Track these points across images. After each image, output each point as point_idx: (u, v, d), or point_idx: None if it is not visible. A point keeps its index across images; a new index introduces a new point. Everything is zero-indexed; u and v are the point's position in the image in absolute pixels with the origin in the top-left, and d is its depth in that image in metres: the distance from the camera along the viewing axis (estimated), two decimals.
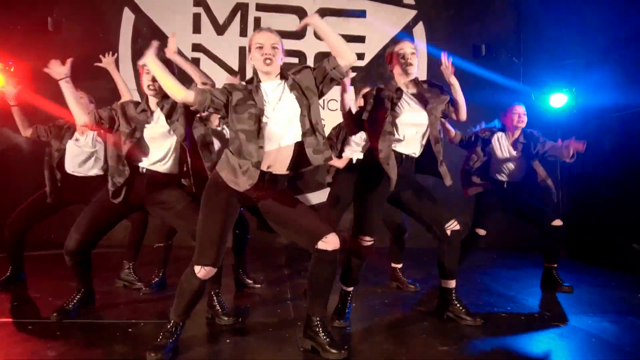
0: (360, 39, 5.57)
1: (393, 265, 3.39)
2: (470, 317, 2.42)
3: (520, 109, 3.47)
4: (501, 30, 5.78)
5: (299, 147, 2.04)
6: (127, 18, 5.23)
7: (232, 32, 5.35)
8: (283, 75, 2.13)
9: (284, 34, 5.64)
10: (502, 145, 3.44)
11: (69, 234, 2.33)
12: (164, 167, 2.41)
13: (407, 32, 5.62)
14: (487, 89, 5.66)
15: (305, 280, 3.16)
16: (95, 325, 2.32)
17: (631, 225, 4.66)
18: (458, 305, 2.46)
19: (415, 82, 2.50)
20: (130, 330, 2.22)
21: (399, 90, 2.44)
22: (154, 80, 2.33)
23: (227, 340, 2.13)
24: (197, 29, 5.33)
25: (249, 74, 5.35)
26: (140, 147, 2.38)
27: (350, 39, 5.54)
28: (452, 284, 2.50)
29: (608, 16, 5.06)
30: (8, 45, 4.75)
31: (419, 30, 5.66)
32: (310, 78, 2.10)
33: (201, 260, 1.94)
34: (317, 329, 1.98)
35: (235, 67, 5.36)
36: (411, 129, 2.42)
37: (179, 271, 2.89)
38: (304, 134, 2.03)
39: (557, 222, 3.25)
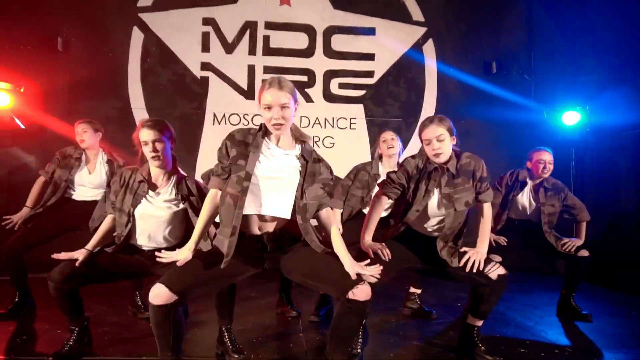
0: (370, 57, 5.53)
1: (412, 290, 3.29)
2: (490, 356, 2.33)
3: (547, 157, 3.33)
4: (512, 47, 5.74)
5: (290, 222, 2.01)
6: (136, 37, 5.23)
7: (241, 51, 5.34)
8: (298, 142, 2.05)
9: (293, 52, 5.67)
10: (525, 193, 3.41)
11: (59, 265, 2.18)
12: (167, 245, 2.39)
13: (416, 49, 5.59)
14: (498, 106, 5.61)
15: (314, 305, 3.12)
16: None
17: None
18: (479, 344, 2.38)
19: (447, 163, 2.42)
20: None
21: (429, 173, 2.42)
22: (155, 149, 2.26)
23: None
24: (205, 47, 5.31)
25: (257, 93, 5.33)
26: (142, 223, 2.34)
27: (359, 56, 5.52)
28: (480, 323, 2.42)
29: (621, 34, 5.01)
30: (18, 65, 4.77)
31: (429, 47, 5.62)
32: (325, 179, 2.07)
33: (162, 279, 1.82)
34: None
35: (244, 86, 5.33)
36: (434, 219, 2.46)
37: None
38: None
39: (584, 253, 3.18)
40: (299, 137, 2.06)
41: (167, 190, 2.37)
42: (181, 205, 2.37)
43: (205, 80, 5.30)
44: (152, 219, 2.34)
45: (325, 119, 5.43)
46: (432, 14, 5.63)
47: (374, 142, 3.59)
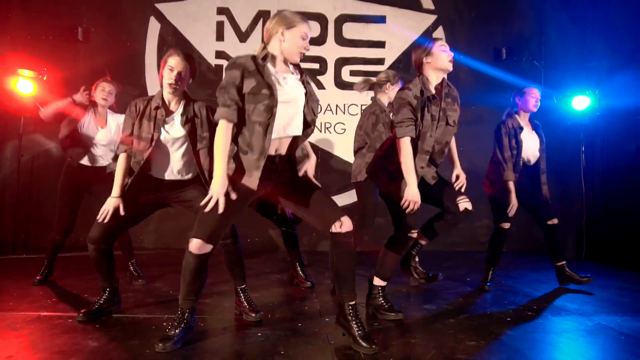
0: (381, 44, 5.62)
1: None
2: None
3: (538, 94, 3.49)
4: (523, 34, 5.78)
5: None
6: (153, 27, 5.39)
7: (254, 40, 5.46)
8: (297, 69, 2.16)
9: None
10: (526, 133, 3.44)
11: (94, 224, 2.30)
12: (185, 177, 2.48)
13: (427, 37, 5.64)
14: (508, 92, 5.62)
15: (330, 281, 3.23)
16: (131, 319, 2.39)
17: None
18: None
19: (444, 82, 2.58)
20: (164, 324, 2.28)
21: (428, 100, 2.48)
22: (177, 80, 2.34)
23: (259, 334, 2.17)
24: (220, 36, 5.45)
25: None
26: (160, 152, 2.40)
27: (370, 44, 5.61)
28: (424, 242, 2.83)
29: (632, 18, 5.02)
30: (41, 54, 4.95)
31: (439, 34, 5.69)
32: (316, 96, 2.20)
33: (196, 233, 1.95)
34: (350, 318, 2.00)
35: None
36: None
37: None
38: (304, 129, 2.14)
39: (553, 221, 3.30)
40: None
41: (179, 113, 2.44)
42: (204, 133, 2.46)
43: (219, 69, 5.43)
44: (169, 146, 2.41)
45: (337, 106, 5.53)
46: (442, 2, 5.70)
47: None
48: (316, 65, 5.52)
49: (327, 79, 5.55)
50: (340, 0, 5.58)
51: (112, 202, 2.31)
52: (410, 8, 5.67)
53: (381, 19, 5.63)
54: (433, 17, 5.69)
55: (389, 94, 3.37)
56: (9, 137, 4.96)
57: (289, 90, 2.05)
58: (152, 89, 5.32)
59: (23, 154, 4.97)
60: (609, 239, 5.01)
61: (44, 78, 4.85)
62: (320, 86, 5.52)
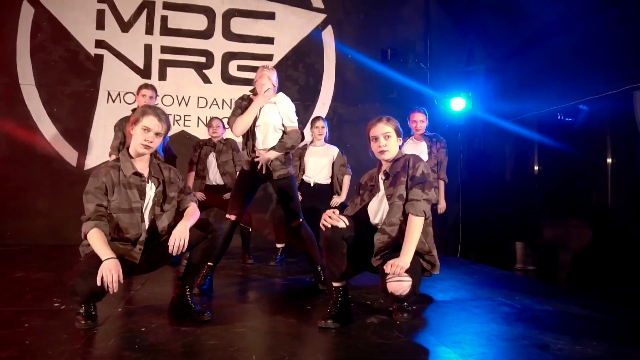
0: (269, 41, 5.64)
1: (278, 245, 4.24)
2: None
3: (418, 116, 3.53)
4: (410, 37, 5.99)
5: None
6: (26, 12, 5.11)
7: (137, 30, 5.32)
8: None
9: (192, 33, 5.66)
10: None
11: None
12: None
13: (316, 35, 5.74)
14: (394, 92, 5.84)
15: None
16: None
17: (518, 225, 4.95)
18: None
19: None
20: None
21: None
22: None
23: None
24: (100, 25, 5.26)
25: (153, 72, 5.33)
26: None
27: (259, 40, 5.61)
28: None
29: (507, 26, 5.32)
30: None
31: (328, 33, 5.79)
32: None
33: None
34: None
35: (140, 65, 5.32)
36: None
37: None
38: None
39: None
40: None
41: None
42: None
43: (99, 58, 5.24)
44: None
45: (223, 100, 5.50)
46: (331, 2, 5.79)
47: None
48: (202, 59, 5.46)
49: (214, 73, 5.50)
50: None
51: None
52: (300, 6, 5.73)
53: (270, 16, 5.65)
54: (322, 16, 5.78)
55: None
56: None
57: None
58: (23, 77, 5.04)
59: None
60: (481, 238, 5.31)
61: None
62: (207, 80, 5.47)
